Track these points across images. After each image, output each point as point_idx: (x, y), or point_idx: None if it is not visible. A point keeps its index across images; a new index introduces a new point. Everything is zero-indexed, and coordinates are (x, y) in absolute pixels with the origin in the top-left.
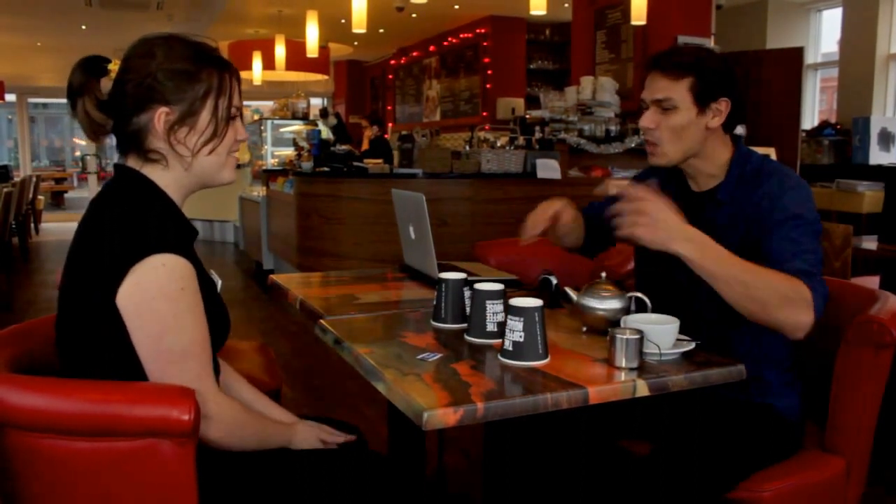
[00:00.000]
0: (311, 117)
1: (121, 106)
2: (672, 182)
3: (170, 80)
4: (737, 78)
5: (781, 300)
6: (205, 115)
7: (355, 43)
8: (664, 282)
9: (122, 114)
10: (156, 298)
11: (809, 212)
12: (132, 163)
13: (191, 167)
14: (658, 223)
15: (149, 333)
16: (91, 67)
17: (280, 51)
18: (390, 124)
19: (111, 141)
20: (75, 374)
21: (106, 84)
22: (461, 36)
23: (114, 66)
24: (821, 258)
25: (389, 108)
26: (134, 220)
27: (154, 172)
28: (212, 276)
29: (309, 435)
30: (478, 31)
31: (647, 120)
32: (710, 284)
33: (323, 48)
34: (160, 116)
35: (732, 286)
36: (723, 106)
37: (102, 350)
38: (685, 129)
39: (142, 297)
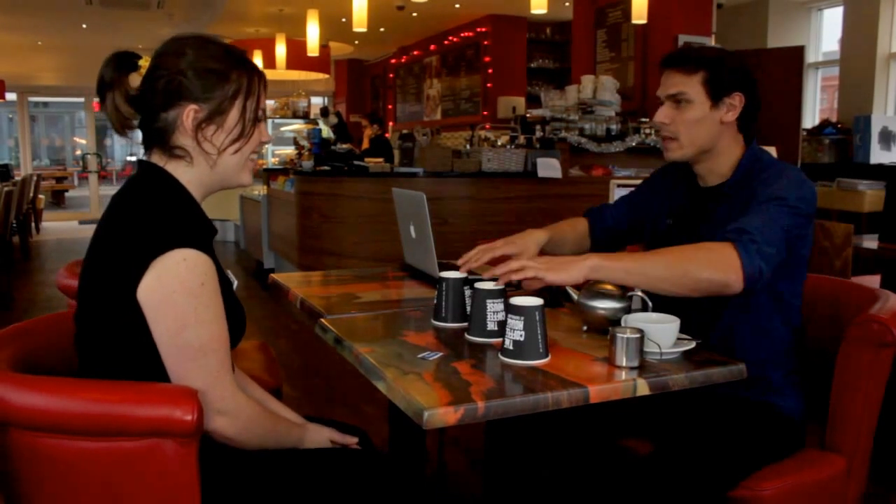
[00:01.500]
0: (312, 116)
1: (150, 101)
2: (682, 179)
3: (200, 78)
4: (751, 74)
5: (702, 263)
6: (233, 115)
7: (356, 42)
8: None
9: (150, 109)
10: (176, 292)
11: (794, 197)
12: (156, 159)
13: (215, 165)
14: (552, 265)
15: (168, 328)
16: (122, 62)
17: (281, 50)
18: (391, 123)
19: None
20: (95, 370)
21: (134, 80)
22: (462, 35)
23: (144, 63)
24: (782, 236)
25: (390, 106)
26: (156, 214)
27: (178, 169)
28: (228, 275)
29: (319, 436)
30: (478, 29)
31: (662, 115)
32: (641, 288)
33: (324, 47)
34: (189, 114)
35: (657, 281)
36: (736, 100)
37: (122, 345)
38: (699, 122)
39: (163, 291)
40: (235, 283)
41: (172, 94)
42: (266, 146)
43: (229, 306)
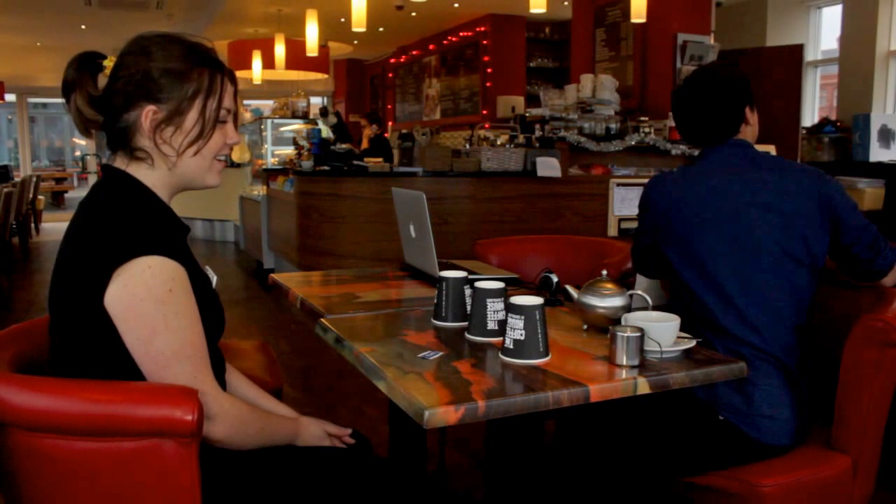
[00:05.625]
0: (311, 116)
1: (111, 103)
2: None
3: (160, 78)
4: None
5: None
6: (192, 116)
7: (355, 42)
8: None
9: (112, 110)
10: (144, 300)
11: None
12: (119, 162)
13: (175, 167)
14: None
15: (139, 336)
16: (86, 63)
17: (280, 50)
18: (390, 123)
19: None
20: (67, 376)
21: (102, 81)
22: (461, 34)
23: (109, 63)
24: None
25: (389, 106)
26: (119, 222)
27: (140, 171)
28: (206, 271)
29: (315, 429)
30: (478, 29)
31: None
32: None
33: (323, 47)
34: (147, 114)
35: None
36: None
37: (94, 352)
38: None
39: (130, 299)
40: (215, 280)
41: (132, 94)
42: (265, 146)
43: (207, 304)
